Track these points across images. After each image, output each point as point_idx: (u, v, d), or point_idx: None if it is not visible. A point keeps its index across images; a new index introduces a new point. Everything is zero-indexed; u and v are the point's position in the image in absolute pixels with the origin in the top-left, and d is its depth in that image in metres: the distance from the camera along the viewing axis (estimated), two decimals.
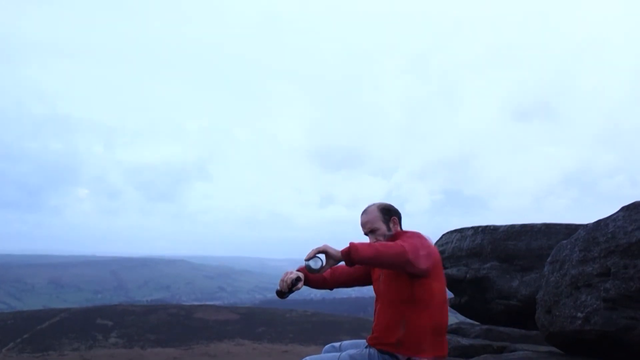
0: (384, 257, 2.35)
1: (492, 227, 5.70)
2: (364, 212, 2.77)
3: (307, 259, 2.35)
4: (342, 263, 2.43)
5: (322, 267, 2.34)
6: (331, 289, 2.91)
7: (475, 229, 5.85)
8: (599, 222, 3.15)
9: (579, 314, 3.02)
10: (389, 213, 2.76)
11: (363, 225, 2.74)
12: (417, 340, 2.55)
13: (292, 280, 2.50)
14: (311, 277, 2.70)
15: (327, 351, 2.84)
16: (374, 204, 2.79)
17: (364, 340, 2.86)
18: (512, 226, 5.53)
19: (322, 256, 2.36)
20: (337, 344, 2.90)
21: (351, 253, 2.31)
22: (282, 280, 2.53)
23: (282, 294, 2.56)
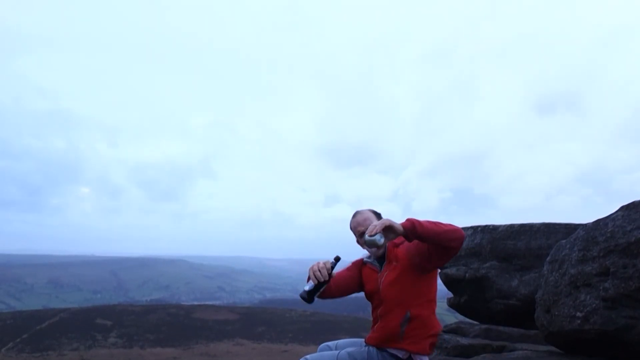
0: (444, 234, 2.37)
1: (491, 227, 5.70)
2: (358, 213, 2.82)
3: (372, 234, 2.28)
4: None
5: (383, 243, 2.33)
6: (324, 298, 2.84)
7: (475, 229, 5.85)
8: (598, 222, 3.15)
9: (578, 314, 3.02)
10: (379, 216, 2.84)
11: (361, 223, 2.75)
12: (420, 333, 2.58)
13: (332, 265, 2.39)
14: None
15: (322, 350, 2.84)
16: (364, 209, 2.87)
17: (361, 339, 2.86)
18: (512, 226, 5.53)
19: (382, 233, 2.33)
20: (332, 343, 2.89)
21: (416, 228, 2.32)
22: (319, 270, 2.40)
23: (313, 292, 2.41)
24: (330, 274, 2.40)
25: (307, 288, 2.41)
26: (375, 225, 2.31)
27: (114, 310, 40.59)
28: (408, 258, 2.61)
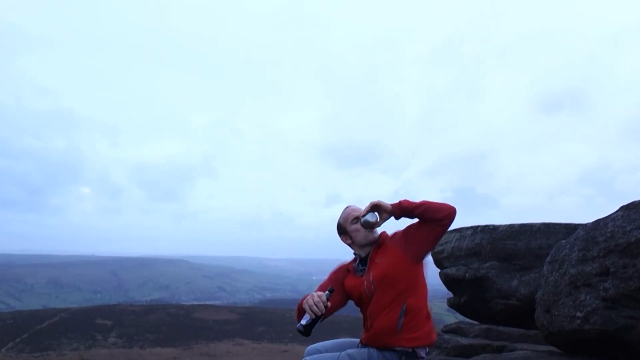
0: (432, 205, 2.54)
1: (491, 227, 5.70)
2: (350, 206, 2.86)
3: (364, 215, 2.57)
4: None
5: (377, 221, 2.58)
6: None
7: (475, 229, 5.85)
8: (598, 222, 3.15)
9: (578, 314, 3.02)
10: None
11: (355, 209, 2.78)
12: (416, 324, 2.58)
13: (327, 297, 2.39)
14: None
15: (310, 353, 2.77)
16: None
17: (353, 339, 2.83)
18: (511, 226, 5.53)
19: (376, 213, 2.60)
20: (320, 346, 2.83)
21: (402, 203, 2.57)
22: (313, 305, 2.37)
23: (311, 325, 2.39)
24: (326, 306, 2.40)
25: (303, 322, 2.39)
26: (367, 206, 2.59)
27: (114, 310, 40.60)
28: (398, 250, 2.61)
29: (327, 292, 2.44)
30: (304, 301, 2.43)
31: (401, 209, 2.56)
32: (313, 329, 2.43)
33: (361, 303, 2.77)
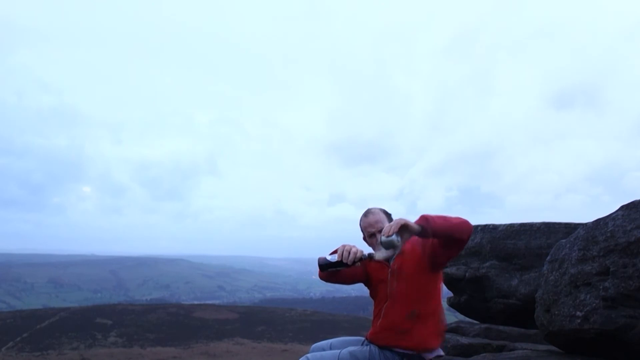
0: (457, 227, 2.35)
1: (491, 226, 5.71)
2: (370, 213, 2.77)
3: (389, 235, 2.19)
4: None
5: (400, 244, 2.23)
6: (333, 282, 2.79)
7: (475, 228, 5.85)
8: (598, 221, 3.15)
9: (578, 313, 3.02)
10: (390, 217, 2.81)
11: (372, 224, 2.72)
12: (424, 330, 2.58)
13: (362, 255, 2.35)
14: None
15: (314, 350, 2.80)
16: (375, 207, 2.82)
17: (359, 337, 2.85)
18: (512, 225, 5.53)
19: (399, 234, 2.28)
20: (325, 344, 2.85)
21: (430, 224, 2.26)
22: (349, 252, 2.32)
23: (332, 265, 2.37)
24: (355, 264, 2.34)
25: (329, 258, 2.39)
26: (391, 226, 2.20)
27: (114, 309, 40.60)
28: (418, 254, 2.59)
29: (367, 254, 2.39)
30: (345, 244, 2.38)
31: (431, 231, 2.27)
32: (328, 270, 2.43)
33: (377, 293, 2.77)
